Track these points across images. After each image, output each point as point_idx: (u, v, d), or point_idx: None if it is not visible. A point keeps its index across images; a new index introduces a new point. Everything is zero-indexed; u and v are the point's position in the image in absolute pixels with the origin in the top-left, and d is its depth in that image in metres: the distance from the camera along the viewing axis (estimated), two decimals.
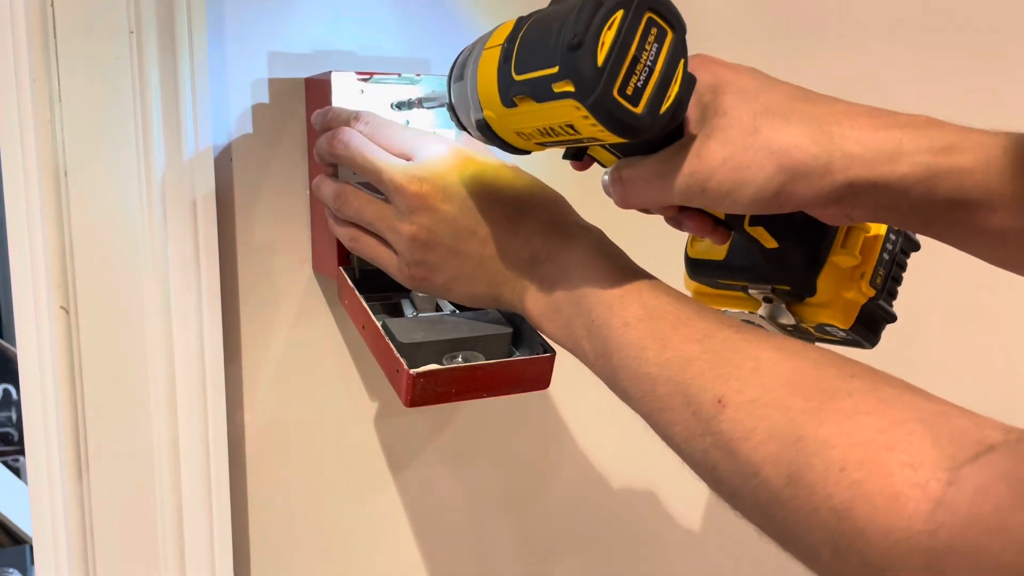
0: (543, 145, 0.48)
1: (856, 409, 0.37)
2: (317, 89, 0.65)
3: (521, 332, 0.63)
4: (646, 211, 0.55)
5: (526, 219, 0.53)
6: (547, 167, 0.58)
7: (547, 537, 0.85)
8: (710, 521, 0.93)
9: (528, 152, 0.50)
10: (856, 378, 0.39)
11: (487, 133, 0.49)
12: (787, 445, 0.37)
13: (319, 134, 0.61)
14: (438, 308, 0.64)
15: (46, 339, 0.61)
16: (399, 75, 0.63)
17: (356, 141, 0.57)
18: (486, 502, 0.81)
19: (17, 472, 1.59)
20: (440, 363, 0.59)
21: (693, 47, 0.49)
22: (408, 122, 0.64)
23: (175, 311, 0.63)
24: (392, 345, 0.58)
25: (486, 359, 0.60)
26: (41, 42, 0.57)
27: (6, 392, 1.69)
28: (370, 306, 0.61)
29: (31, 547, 1.42)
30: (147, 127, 0.60)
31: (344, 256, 0.64)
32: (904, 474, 0.33)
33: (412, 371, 0.56)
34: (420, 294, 0.63)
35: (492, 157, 0.59)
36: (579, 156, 0.52)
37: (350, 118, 0.59)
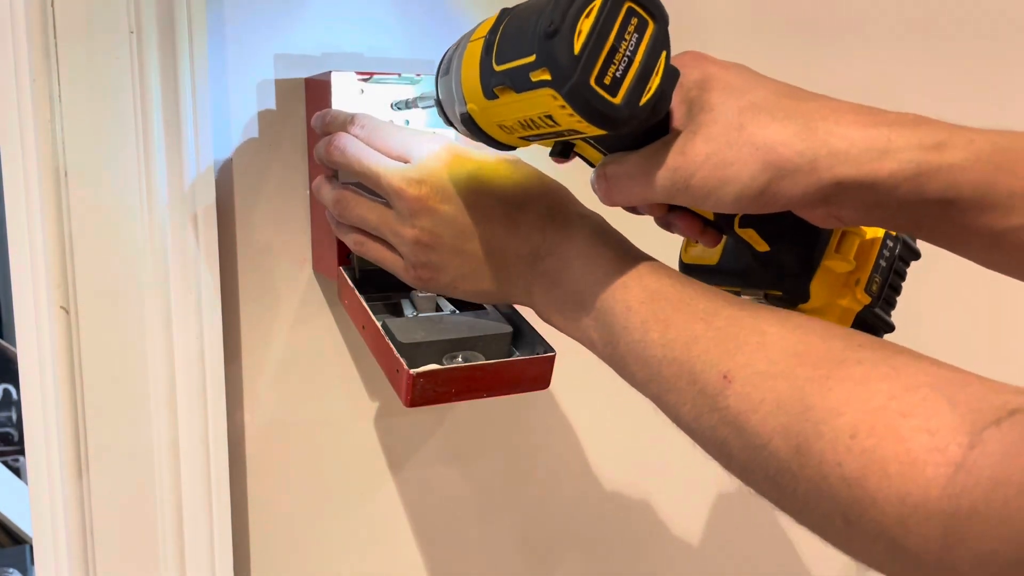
0: (527, 139, 0.48)
1: (866, 376, 0.36)
2: (317, 89, 0.65)
3: (521, 332, 0.63)
4: (634, 210, 0.54)
5: (525, 213, 0.53)
6: (548, 158, 0.58)
7: (547, 537, 0.85)
8: (710, 520, 0.93)
9: (513, 147, 0.50)
10: (864, 348, 0.39)
11: (471, 127, 0.48)
12: (795, 415, 0.37)
13: (319, 136, 0.61)
14: (438, 308, 0.64)
15: (46, 339, 0.61)
16: (399, 75, 0.63)
17: (352, 147, 0.57)
18: (486, 502, 0.81)
19: (17, 472, 1.59)
20: (440, 363, 0.59)
21: (691, 46, 0.49)
22: (408, 122, 0.64)
23: (175, 311, 0.63)
24: (392, 345, 0.58)
25: (486, 359, 0.60)
26: (41, 42, 0.57)
27: (6, 392, 1.69)
28: (370, 306, 0.61)
29: (31, 547, 1.42)
30: (147, 127, 0.60)
31: (344, 256, 0.64)
32: (920, 440, 0.33)
33: (412, 371, 0.55)
34: (420, 294, 0.63)
35: (490, 153, 0.58)
36: (565, 153, 0.52)
37: (346, 122, 0.58)
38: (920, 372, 0.36)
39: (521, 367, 0.60)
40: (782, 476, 0.37)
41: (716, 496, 0.92)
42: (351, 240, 0.59)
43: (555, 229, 0.52)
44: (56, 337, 0.61)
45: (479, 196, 0.53)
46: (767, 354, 0.40)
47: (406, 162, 0.55)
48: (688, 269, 0.59)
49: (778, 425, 0.37)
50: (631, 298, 0.47)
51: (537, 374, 0.60)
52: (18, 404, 1.69)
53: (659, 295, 0.46)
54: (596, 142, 0.50)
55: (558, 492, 0.84)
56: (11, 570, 1.37)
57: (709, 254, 0.58)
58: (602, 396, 0.83)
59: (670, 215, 0.53)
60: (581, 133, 0.44)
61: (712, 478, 0.89)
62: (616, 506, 0.87)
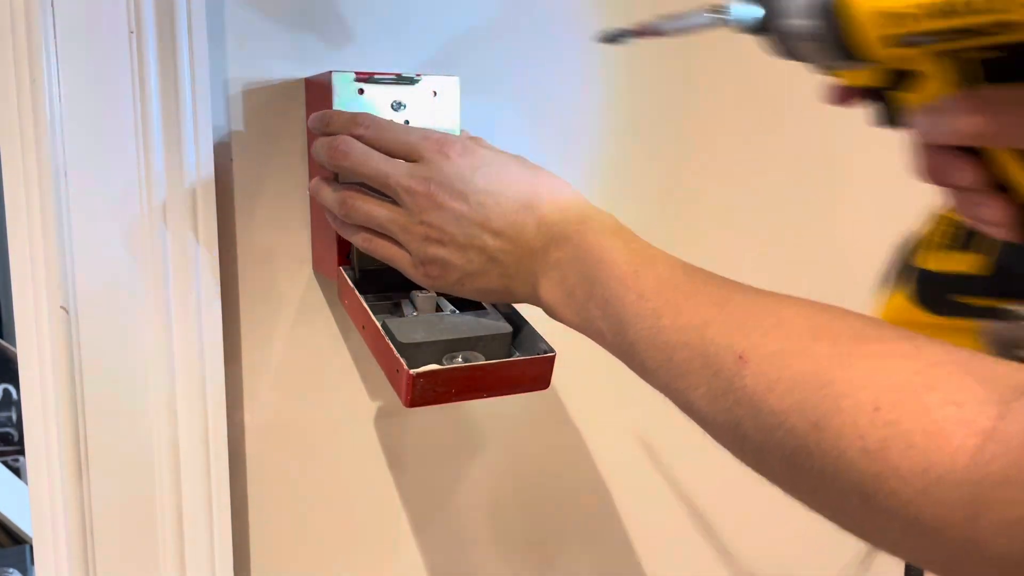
0: (907, 43, 0.36)
1: (888, 352, 0.36)
2: (317, 89, 0.64)
3: (521, 332, 0.63)
4: (939, 177, 0.43)
5: (536, 208, 0.54)
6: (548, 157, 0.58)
7: (548, 537, 0.85)
8: (714, 519, 0.93)
9: (868, 63, 0.38)
10: (884, 327, 0.38)
11: (826, 22, 0.37)
12: (813, 391, 0.36)
13: (317, 137, 0.61)
14: (438, 308, 0.64)
15: (46, 339, 0.61)
16: (399, 75, 0.63)
17: (356, 150, 0.57)
18: (486, 502, 0.81)
19: (17, 472, 1.59)
20: (440, 363, 0.59)
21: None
22: (408, 122, 0.63)
23: (175, 311, 0.63)
24: (392, 345, 0.58)
25: (486, 359, 0.60)
26: (41, 42, 0.57)
27: (6, 392, 1.69)
28: (370, 306, 0.61)
29: (31, 547, 1.42)
30: (147, 127, 0.60)
31: (344, 256, 0.64)
32: (946, 411, 0.32)
33: (412, 371, 0.55)
34: (420, 294, 0.63)
35: (496, 149, 0.58)
36: (895, 84, 0.40)
37: (348, 123, 0.59)
38: (942, 351, 0.35)
39: (521, 367, 0.60)
40: (798, 454, 0.37)
41: (719, 495, 0.92)
42: (359, 239, 0.60)
43: (567, 223, 0.52)
44: (56, 337, 0.61)
45: (489, 192, 0.54)
46: (784, 333, 0.40)
47: (413, 160, 0.55)
48: (933, 279, 0.50)
49: (795, 402, 0.37)
50: (643, 286, 0.47)
51: (537, 374, 0.60)
52: (18, 404, 1.68)
53: (671, 283, 0.46)
54: (995, 60, 0.37)
55: (559, 492, 0.84)
56: (11, 570, 1.37)
57: (969, 263, 0.48)
58: (602, 396, 0.83)
59: (987, 196, 0.43)
60: (1012, 32, 0.33)
61: (714, 477, 0.89)
62: (618, 506, 0.87)
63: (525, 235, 0.53)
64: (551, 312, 0.54)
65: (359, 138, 0.58)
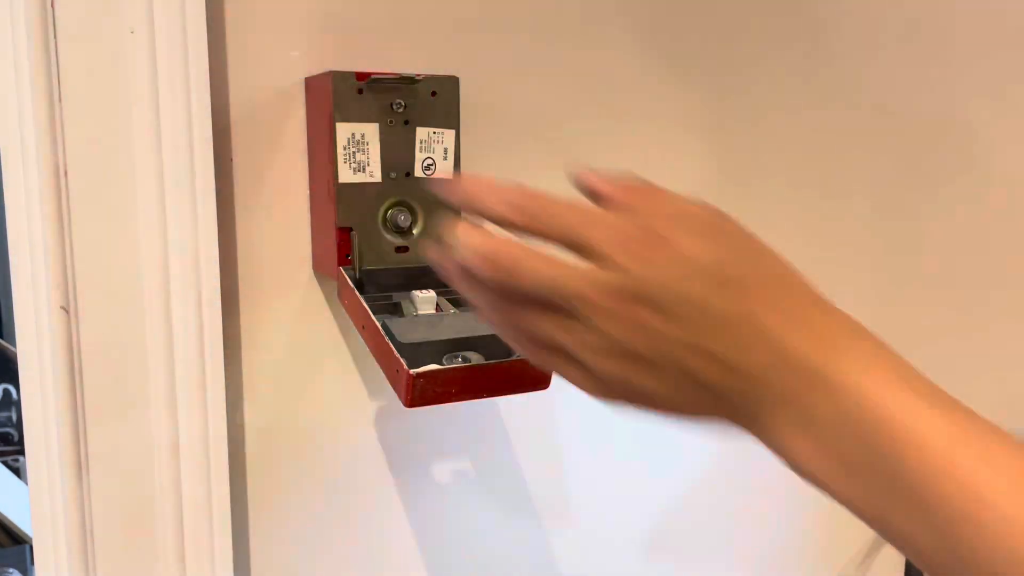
0: None
1: None
2: (317, 89, 0.65)
3: None
4: None
5: (761, 322, 0.40)
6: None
7: (548, 536, 0.85)
8: (711, 518, 0.93)
9: None
10: None
11: None
12: None
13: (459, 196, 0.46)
14: (438, 308, 0.64)
15: (46, 339, 0.61)
16: (399, 75, 0.63)
17: (526, 265, 0.42)
18: (488, 502, 0.81)
19: (17, 472, 1.59)
20: (440, 363, 0.59)
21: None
22: (408, 122, 0.63)
23: (175, 311, 0.63)
24: (392, 345, 0.58)
25: (486, 359, 0.60)
26: (41, 42, 0.57)
27: (6, 392, 1.69)
28: (370, 306, 0.61)
29: (31, 547, 1.42)
30: (147, 127, 0.60)
31: (344, 256, 0.64)
32: None
33: (412, 371, 0.55)
34: (420, 294, 0.64)
35: (683, 209, 0.43)
36: None
37: (497, 203, 0.44)
38: None
39: (521, 367, 0.60)
40: None
41: (719, 494, 0.92)
42: (528, 351, 0.46)
43: (814, 350, 0.39)
44: (56, 337, 0.61)
45: (692, 303, 0.40)
46: None
47: (581, 249, 0.42)
48: None
49: None
50: (990, 488, 0.34)
51: (538, 374, 0.60)
52: (18, 404, 1.69)
53: None
54: None
55: (559, 493, 0.84)
56: (11, 570, 1.37)
57: None
58: None
59: None
60: None
61: (715, 476, 0.89)
62: (619, 505, 0.88)
63: (750, 360, 0.40)
64: (804, 474, 0.40)
65: (508, 223, 0.44)
